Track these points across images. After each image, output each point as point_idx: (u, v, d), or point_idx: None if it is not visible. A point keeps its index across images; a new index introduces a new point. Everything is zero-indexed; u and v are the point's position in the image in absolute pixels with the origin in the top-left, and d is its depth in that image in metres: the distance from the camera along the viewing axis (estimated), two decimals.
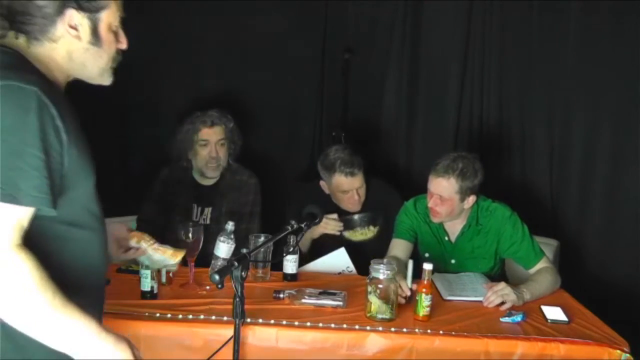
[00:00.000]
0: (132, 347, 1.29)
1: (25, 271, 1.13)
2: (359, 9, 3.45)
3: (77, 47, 1.29)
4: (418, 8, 3.38)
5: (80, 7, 1.26)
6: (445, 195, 2.44)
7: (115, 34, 1.35)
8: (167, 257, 1.80)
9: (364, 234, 2.86)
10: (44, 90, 1.16)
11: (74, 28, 1.27)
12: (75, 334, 1.19)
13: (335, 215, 2.76)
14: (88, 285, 1.31)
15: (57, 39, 1.26)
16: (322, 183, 2.90)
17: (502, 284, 2.23)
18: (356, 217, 2.83)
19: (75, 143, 1.21)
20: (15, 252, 1.13)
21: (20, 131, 1.12)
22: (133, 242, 1.72)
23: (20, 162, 1.11)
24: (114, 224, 1.66)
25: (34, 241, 1.17)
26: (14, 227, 1.13)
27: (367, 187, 2.88)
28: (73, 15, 1.26)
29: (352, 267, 2.58)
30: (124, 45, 1.37)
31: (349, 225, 2.83)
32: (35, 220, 1.17)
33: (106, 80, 1.38)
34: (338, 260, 2.59)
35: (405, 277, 2.24)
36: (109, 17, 1.31)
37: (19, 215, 1.14)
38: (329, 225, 2.73)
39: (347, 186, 2.80)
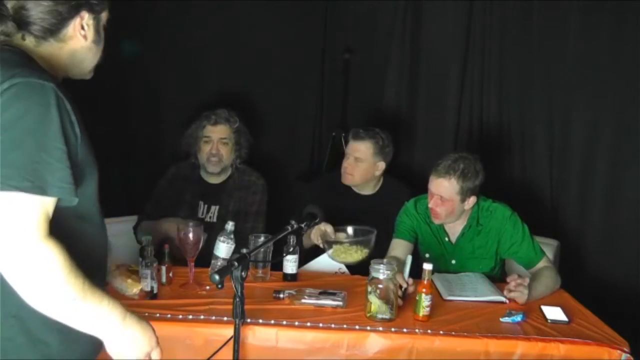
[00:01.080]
0: (152, 327, 1.37)
1: (58, 260, 1.17)
2: (359, 9, 3.45)
3: (82, 46, 1.36)
4: (418, 8, 3.38)
5: (91, 9, 1.34)
6: (446, 196, 2.44)
7: (104, 32, 1.43)
8: (125, 286, 1.79)
9: (350, 254, 2.48)
10: (58, 87, 1.21)
11: (83, 28, 1.34)
12: (103, 317, 1.25)
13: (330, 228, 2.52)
14: (96, 277, 1.33)
15: (67, 39, 1.33)
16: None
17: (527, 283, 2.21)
18: (348, 231, 2.57)
19: (85, 138, 1.26)
20: (46, 243, 1.17)
21: (44, 126, 1.17)
22: None
23: (45, 155, 1.16)
24: None
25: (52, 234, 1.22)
26: (43, 218, 1.17)
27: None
28: (85, 16, 1.33)
29: (344, 268, 2.57)
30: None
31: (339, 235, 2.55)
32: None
33: (90, 75, 1.46)
34: (329, 262, 2.57)
35: (402, 272, 2.22)
36: (105, 17, 1.40)
37: (46, 206, 1.18)
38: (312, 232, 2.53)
39: (350, 149, 2.89)
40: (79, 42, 1.34)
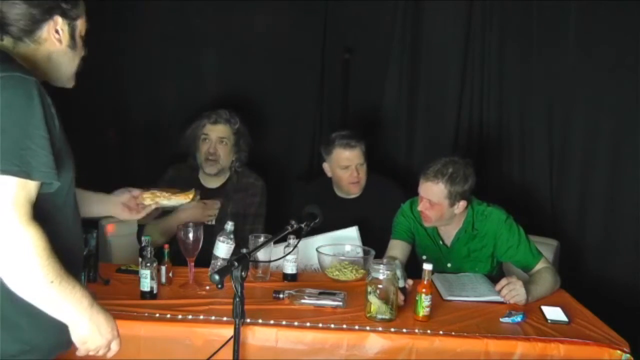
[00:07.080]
0: (114, 319, 1.46)
1: (40, 244, 1.25)
2: (359, 9, 3.45)
3: (57, 50, 1.44)
4: (418, 8, 3.38)
5: (64, 14, 1.42)
6: (435, 200, 2.44)
7: (83, 41, 1.51)
8: (181, 200, 1.93)
9: (344, 273, 2.40)
10: (39, 82, 1.30)
11: (57, 32, 1.42)
12: (73, 303, 1.33)
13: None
14: (68, 266, 1.36)
15: (42, 41, 1.41)
16: (324, 165, 2.90)
17: (519, 282, 2.22)
18: (347, 249, 2.56)
19: (61, 131, 1.35)
20: (29, 226, 1.24)
21: (28, 115, 1.25)
22: (148, 202, 1.85)
23: (30, 142, 1.24)
24: (117, 193, 1.88)
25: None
26: (27, 202, 1.25)
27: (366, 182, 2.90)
28: (58, 21, 1.42)
29: (315, 265, 2.54)
30: (84, 52, 1.53)
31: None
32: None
33: (71, 83, 1.54)
34: (348, 238, 2.58)
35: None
36: (82, 25, 1.49)
37: (31, 190, 1.26)
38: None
39: (346, 160, 2.80)
40: (54, 45, 1.42)
